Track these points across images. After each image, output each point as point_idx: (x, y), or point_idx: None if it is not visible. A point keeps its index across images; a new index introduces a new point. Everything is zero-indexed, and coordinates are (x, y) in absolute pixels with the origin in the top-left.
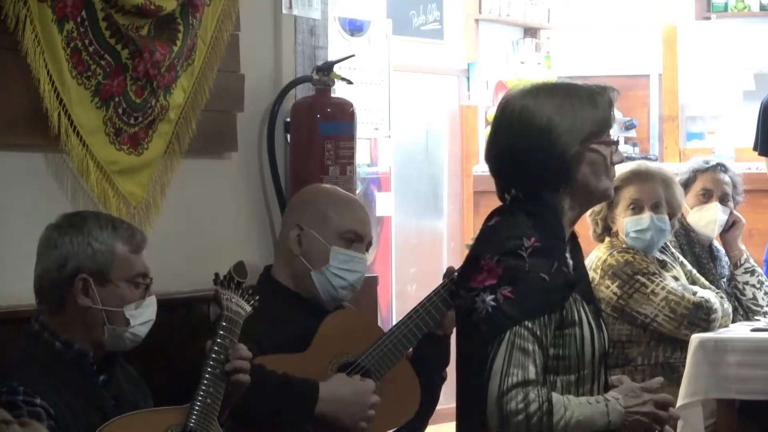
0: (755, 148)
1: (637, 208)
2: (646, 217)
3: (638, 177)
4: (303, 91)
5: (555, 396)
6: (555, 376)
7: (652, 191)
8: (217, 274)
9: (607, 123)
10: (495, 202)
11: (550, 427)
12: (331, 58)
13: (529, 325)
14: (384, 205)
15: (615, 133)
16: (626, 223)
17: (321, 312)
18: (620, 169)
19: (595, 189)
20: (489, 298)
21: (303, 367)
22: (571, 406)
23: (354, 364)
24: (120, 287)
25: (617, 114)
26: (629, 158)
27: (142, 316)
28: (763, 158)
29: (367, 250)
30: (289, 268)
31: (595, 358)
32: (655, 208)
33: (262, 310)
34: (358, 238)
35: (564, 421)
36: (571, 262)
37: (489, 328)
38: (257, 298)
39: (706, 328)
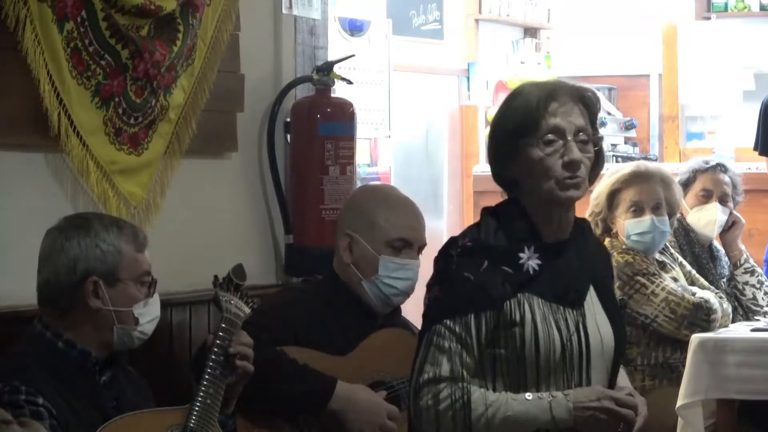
0: (755, 148)
1: (638, 210)
2: (647, 219)
3: (638, 178)
4: (303, 91)
5: (477, 393)
6: (496, 375)
7: (653, 192)
8: (216, 277)
9: (528, 122)
10: (495, 202)
11: (465, 425)
12: (331, 58)
13: (449, 323)
14: None
15: (614, 132)
16: (627, 225)
17: (373, 316)
18: (619, 171)
19: (539, 190)
20: (426, 297)
21: (334, 371)
22: (497, 403)
23: (387, 385)
24: (128, 287)
25: (617, 114)
26: (629, 158)
27: (150, 314)
28: (763, 158)
29: (420, 252)
30: (343, 272)
31: (543, 360)
32: (656, 209)
33: (315, 303)
34: (407, 245)
35: (485, 418)
36: (532, 263)
37: (421, 327)
38: (256, 299)
39: (706, 329)
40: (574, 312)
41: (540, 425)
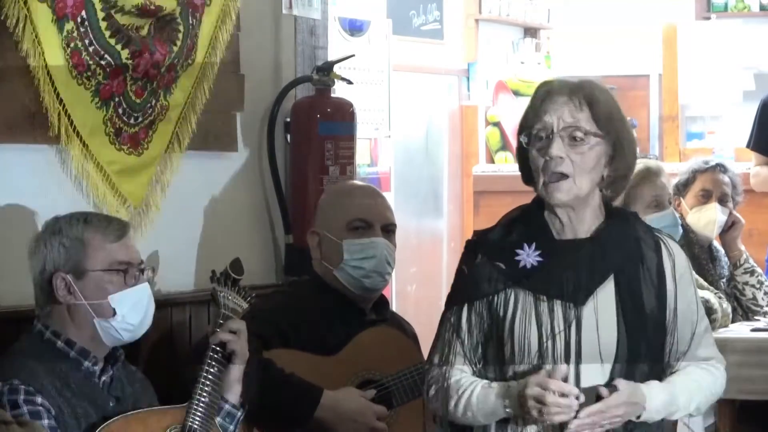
0: (748, 145)
1: (658, 204)
2: (670, 213)
3: (652, 174)
4: (303, 91)
5: (454, 379)
6: (489, 366)
7: (667, 187)
8: (213, 272)
9: (525, 120)
10: (495, 202)
11: (445, 410)
12: (331, 58)
13: (448, 313)
14: None
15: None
16: (651, 220)
17: (361, 313)
18: None
19: (537, 190)
20: None
21: (324, 371)
22: (468, 390)
23: (377, 383)
24: (98, 278)
25: None
26: None
27: (130, 303)
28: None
29: (388, 232)
30: (320, 270)
31: (518, 355)
32: (670, 203)
33: (301, 304)
34: (367, 225)
35: (461, 405)
36: (530, 260)
37: None
38: (254, 294)
39: None
40: (571, 311)
41: (499, 413)
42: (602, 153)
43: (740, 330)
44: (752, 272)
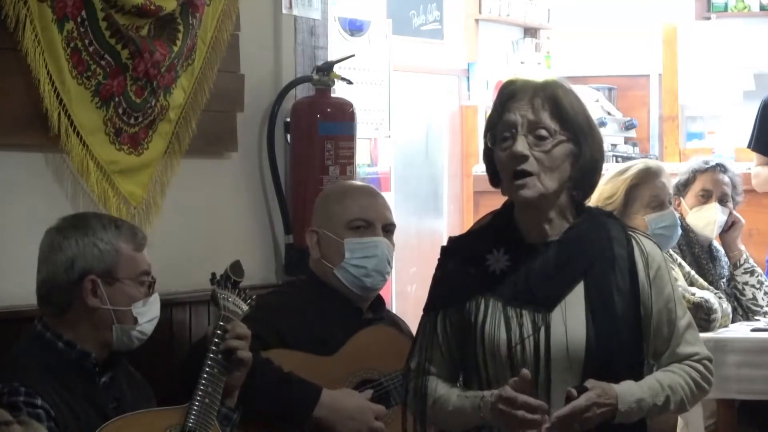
0: (749, 145)
1: (658, 204)
2: (670, 212)
3: (652, 174)
4: (303, 91)
5: (431, 387)
6: (464, 371)
7: (667, 187)
8: (213, 274)
9: (491, 120)
10: (495, 202)
11: (422, 416)
12: (331, 58)
13: (424, 318)
14: None
15: (614, 132)
16: (650, 220)
17: (358, 312)
18: (630, 168)
19: (503, 190)
20: None
21: (322, 371)
22: (442, 398)
23: (375, 382)
24: (127, 286)
25: (617, 114)
26: (629, 158)
27: (149, 314)
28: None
29: (388, 232)
30: (318, 269)
31: (489, 361)
32: (670, 203)
33: (298, 304)
34: (368, 224)
35: (432, 411)
36: (500, 265)
37: None
38: (254, 297)
39: (706, 329)
40: (539, 315)
41: (475, 422)
42: (567, 151)
43: (740, 330)
44: (752, 272)
